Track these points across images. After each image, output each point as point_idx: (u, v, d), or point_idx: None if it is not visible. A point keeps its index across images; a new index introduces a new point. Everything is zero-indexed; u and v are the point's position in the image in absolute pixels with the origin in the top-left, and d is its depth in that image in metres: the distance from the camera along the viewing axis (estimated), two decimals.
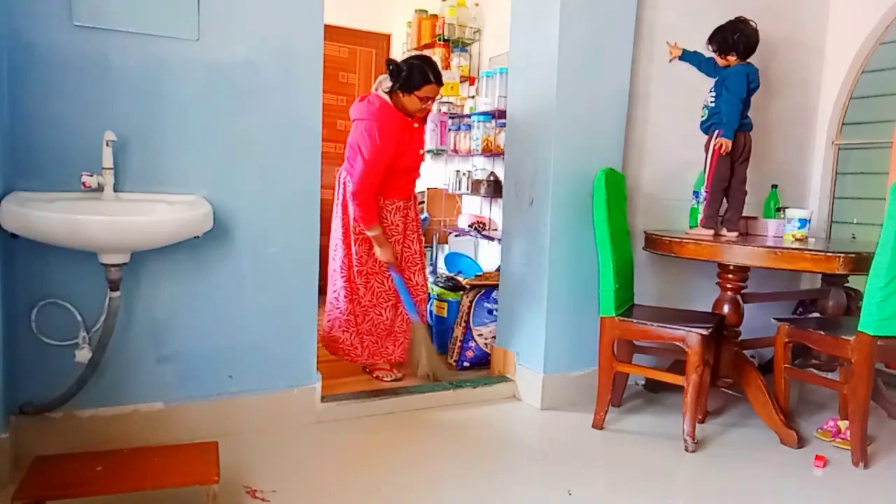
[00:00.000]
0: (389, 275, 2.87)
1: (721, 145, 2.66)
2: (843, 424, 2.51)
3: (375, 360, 2.94)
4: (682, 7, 2.96)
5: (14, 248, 1.94)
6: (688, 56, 2.87)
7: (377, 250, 2.80)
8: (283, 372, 2.40)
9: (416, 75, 2.65)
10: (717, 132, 2.69)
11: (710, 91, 2.77)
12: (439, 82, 2.71)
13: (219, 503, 1.70)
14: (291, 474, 2.07)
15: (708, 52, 2.78)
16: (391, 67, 2.68)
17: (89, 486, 1.65)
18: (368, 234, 2.78)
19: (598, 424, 2.58)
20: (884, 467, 2.37)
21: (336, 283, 2.91)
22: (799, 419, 2.72)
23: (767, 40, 3.24)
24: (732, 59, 2.70)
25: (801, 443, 2.49)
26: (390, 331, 2.95)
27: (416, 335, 2.94)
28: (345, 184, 2.84)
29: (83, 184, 1.96)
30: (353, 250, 2.84)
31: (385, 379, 2.91)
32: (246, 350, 2.32)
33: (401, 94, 2.68)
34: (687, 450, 2.39)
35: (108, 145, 1.97)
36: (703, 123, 2.80)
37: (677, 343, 2.42)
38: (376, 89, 2.76)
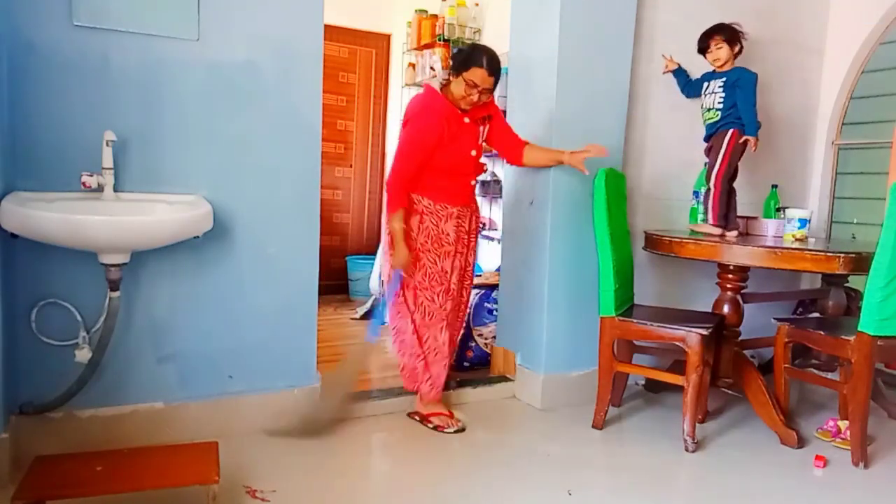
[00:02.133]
0: (440, 290, 2.54)
1: (754, 144, 2.69)
2: (843, 424, 2.51)
3: (416, 388, 2.60)
4: (682, 7, 2.96)
5: (14, 248, 1.94)
6: (678, 73, 2.94)
7: (396, 251, 2.47)
8: (283, 372, 2.40)
9: (468, 56, 2.46)
10: (730, 132, 2.71)
11: (711, 92, 2.78)
12: (492, 72, 2.43)
13: (219, 503, 1.70)
14: (291, 474, 2.07)
15: (710, 53, 2.79)
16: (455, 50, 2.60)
17: (89, 486, 1.65)
18: (387, 225, 2.50)
19: (598, 424, 2.58)
20: (884, 467, 2.37)
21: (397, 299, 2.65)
22: (799, 419, 2.72)
23: (767, 40, 3.25)
24: (735, 50, 2.74)
25: (801, 443, 2.49)
26: (444, 355, 2.58)
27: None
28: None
29: (83, 184, 1.96)
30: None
31: (447, 430, 2.49)
32: (246, 350, 2.32)
33: (452, 78, 2.51)
34: (687, 450, 2.39)
35: (108, 145, 1.97)
36: (713, 125, 2.78)
37: (677, 343, 2.42)
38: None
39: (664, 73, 2.94)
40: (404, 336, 2.58)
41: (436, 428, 2.50)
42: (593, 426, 2.58)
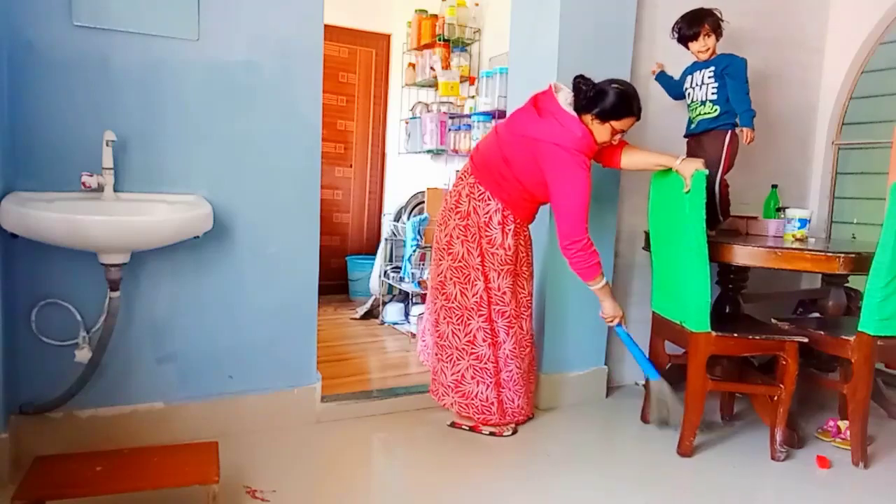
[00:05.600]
0: (527, 315, 2.48)
1: (750, 136, 2.56)
2: (843, 424, 2.51)
3: (506, 422, 2.48)
4: (682, 7, 2.95)
5: (14, 248, 1.94)
6: (661, 77, 2.86)
7: (606, 304, 2.41)
8: (283, 372, 2.40)
9: (619, 106, 2.24)
10: (729, 134, 2.60)
11: (701, 84, 2.65)
12: (639, 116, 2.32)
13: (219, 503, 1.70)
14: (291, 474, 2.07)
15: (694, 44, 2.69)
16: (587, 86, 2.26)
17: (89, 486, 1.65)
18: (594, 287, 2.34)
19: (687, 451, 2.37)
20: (884, 467, 2.37)
21: (470, 323, 2.39)
22: (799, 419, 2.72)
23: (767, 40, 3.25)
24: (719, 39, 2.63)
25: (801, 443, 2.49)
26: (524, 382, 2.50)
27: (660, 393, 2.51)
28: (470, 195, 2.38)
29: (83, 184, 1.96)
30: (495, 283, 2.38)
31: (505, 434, 2.48)
32: (246, 350, 2.32)
33: (591, 119, 2.27)
34: (778, 459, 2.35)
35: (108, 145, 1.97)
36: (710, 120, 2.64)
37: (773, 353, 2.35)
38: (556, 93, 2.31)
39: (652, 71, 2.89)
40: (487, 364, 2.40)
41: (492, 434, 2.47)
42: (680, 454, 2.37)
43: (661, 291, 2.57)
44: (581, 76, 2.29)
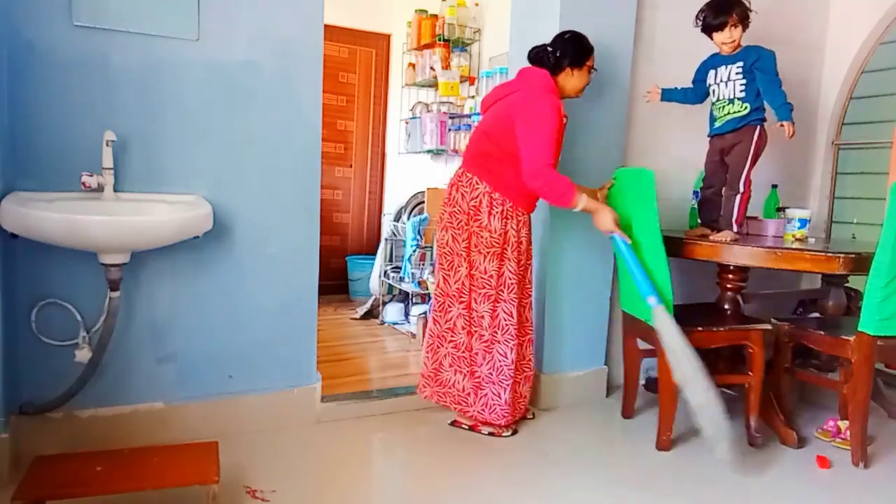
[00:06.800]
0: (515, 302, 2.39)
1: (791, 129, 2.43)
2: (843, 424, 2.51)
3: (489, 419, 2.42)
4: (682, 7, 2.96)
5: (14, 248, 1.94)
6: (668, 94, 2.74)
7: (598, 218, 2.28)
8: (283, 372, 2.40)
9: (579, 45, 2.38)
10: (758, 129, 2.50)
11: (727, 80, 2.53)
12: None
13: (219, 503, 1.70)
14: (291, 474, 2.07)
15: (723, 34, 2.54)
16: (551, 47, 2.37)
17: (89, 486, 1.65)
18: (578, 208, 2.26)
19: (666, 446, 2.41)
20: (884, 467, 2.37)
21: (451, 310, 2.41)
22: (799, 419, 2.72)
23: (768, 40, 3.24)
24: (739, 33, 2.50)
25: (801, 443, 2.49)
26: (512, 377, 2.40)
27: (662, 331, 2.26)
28: (458, 184, 2.40)
29: (83, 184, 1.96)
30: (481, 267, 2.36)
31: (505, 434, 2.46)
32: (246, 350, 2.33)
33: (570, 72, 2.38)
34: (756, 444, 2.42)
35: (108, 145, 1.97)
36: (739, 119, 2.51)
37: (740, 343, 2.39)
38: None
39: (648, 101, 2.78)
40: (465, 352, 2.41)
41: (491, 434, 2.45)
42: (659, 448, 2.40)
43: (630, 290, 2.54)
44: (534, 48, 2.42)
